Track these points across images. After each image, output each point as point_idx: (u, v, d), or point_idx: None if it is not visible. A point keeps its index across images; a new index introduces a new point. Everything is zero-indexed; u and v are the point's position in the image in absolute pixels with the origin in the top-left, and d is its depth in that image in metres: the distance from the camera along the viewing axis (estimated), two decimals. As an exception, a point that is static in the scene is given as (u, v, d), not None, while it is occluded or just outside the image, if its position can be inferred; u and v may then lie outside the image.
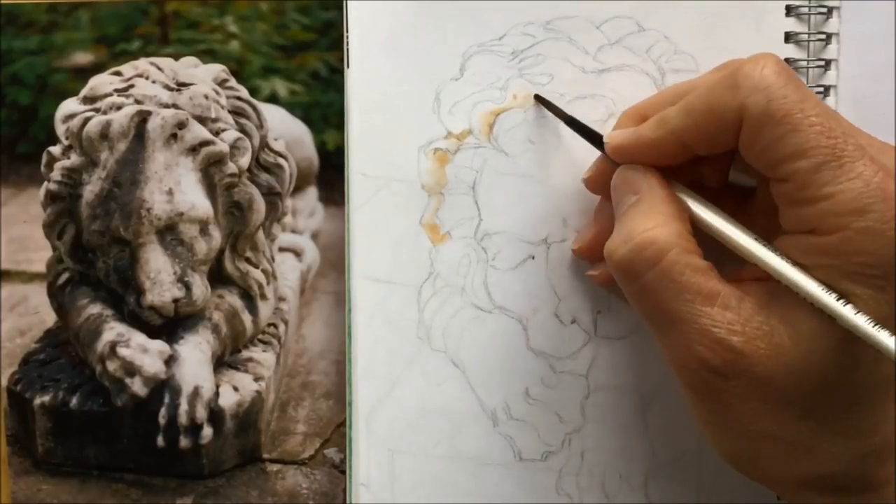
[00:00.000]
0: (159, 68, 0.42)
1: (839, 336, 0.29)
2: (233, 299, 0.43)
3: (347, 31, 0.39)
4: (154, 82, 0.41)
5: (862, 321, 0.28)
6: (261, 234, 0.43)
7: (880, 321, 0.28)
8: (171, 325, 0.42)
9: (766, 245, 0.31)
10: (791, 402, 0.30)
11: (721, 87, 0.31)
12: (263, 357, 0.43)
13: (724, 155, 0.33)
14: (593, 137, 0.36)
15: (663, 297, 0.30)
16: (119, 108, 0.41)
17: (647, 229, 0.31)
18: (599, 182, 0.36)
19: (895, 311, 0.29)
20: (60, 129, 0.42)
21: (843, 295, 0.29)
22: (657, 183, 0.33)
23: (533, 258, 0.39)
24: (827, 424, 0.30)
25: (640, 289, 0.31)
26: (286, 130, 0.43)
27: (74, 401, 0.42)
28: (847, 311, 0.28)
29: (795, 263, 0.30)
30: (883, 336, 0.27)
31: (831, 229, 0.29)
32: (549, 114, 0.38)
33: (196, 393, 0.41)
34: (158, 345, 0.41)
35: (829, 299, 0.29)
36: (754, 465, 0.32)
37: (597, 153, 0.36)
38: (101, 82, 0.42)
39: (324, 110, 0.42)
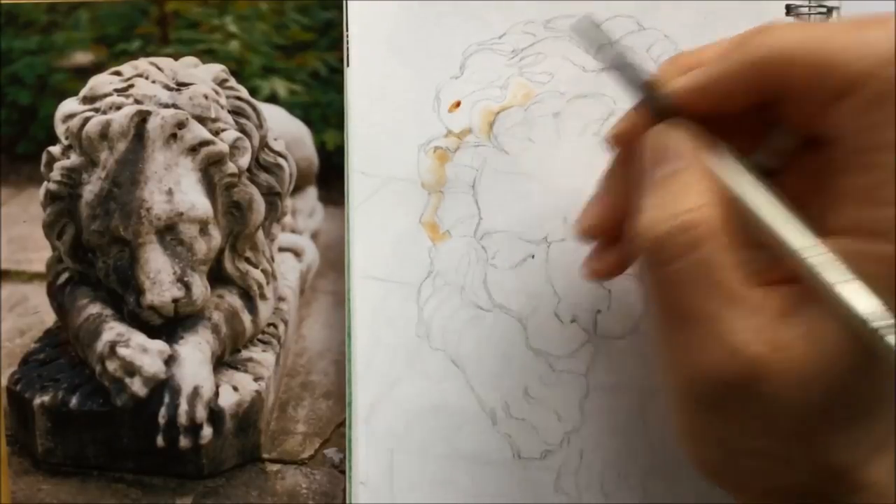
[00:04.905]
0: (159, 68, 0.42)
1: (868, 355, 0.25)
2: (233, 299, 0.43)
3: (347, 31, 0.39)
4: (154, 82, 0.41)
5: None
6: (261, 234, 0.43)
7: None
8: (170, 325, 0.42)
9: (816, 237, 0.26)
10: (791, 421, 0.26)
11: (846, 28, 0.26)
12: (263, 357, 0.43)
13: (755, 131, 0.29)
14: (637, 80, 0.29)
15: (690, 291, 0.26)
16: (119, 107, 0.41)
17: (693, 208, 0.26)
18: (629, 140, 0.30)
19: None
20: (60, 128, 0.42)
21: None
22: (705, 152, 0.27)
23: (533, 257, 0.39)
24: (820, 438, 0.27)
25: (666, 278, 0.27)
26: (286, 130, 0.43)
27: (74, 401, 0.42)
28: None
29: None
30: None
31: None
32: (549, 112, 0.38)
33: (196, 393, 0.41)
34: (158, 345, 0.41)
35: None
36: (730, 478, 0.29)
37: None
38: (101, 82, 0.42)
39: (324, 110, 0.42)
